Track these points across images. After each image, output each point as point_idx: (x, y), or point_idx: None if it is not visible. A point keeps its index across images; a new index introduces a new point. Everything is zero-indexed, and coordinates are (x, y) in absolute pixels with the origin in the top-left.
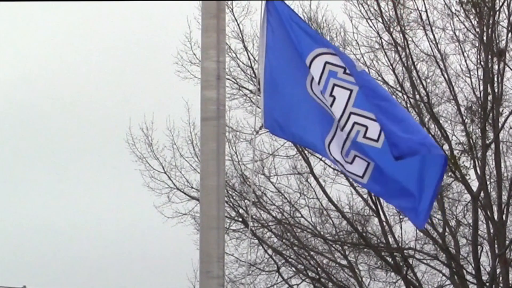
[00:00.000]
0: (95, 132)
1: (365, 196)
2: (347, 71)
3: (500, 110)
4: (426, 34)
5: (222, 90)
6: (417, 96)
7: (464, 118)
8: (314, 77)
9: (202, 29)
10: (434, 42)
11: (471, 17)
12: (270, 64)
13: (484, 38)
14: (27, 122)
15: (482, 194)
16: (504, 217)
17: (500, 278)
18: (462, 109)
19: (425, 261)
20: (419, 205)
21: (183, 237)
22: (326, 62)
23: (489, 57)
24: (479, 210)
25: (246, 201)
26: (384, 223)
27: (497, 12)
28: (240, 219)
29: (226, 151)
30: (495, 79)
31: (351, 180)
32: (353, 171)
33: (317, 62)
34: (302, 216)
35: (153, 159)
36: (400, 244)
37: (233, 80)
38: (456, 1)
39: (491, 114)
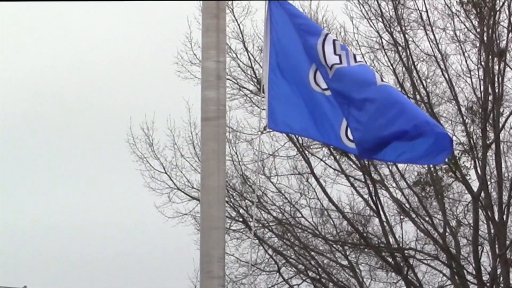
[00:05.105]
0: (96, 132)
1: (365, 197)
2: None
3: (501, 110)
4: (427, 34)
5: (223, 90)
6: (418, 96)
7: (465, 118)
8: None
9: (203, 29)
10: (434, 42)
11: (472, 17)
12: (274, 64)
13: (485, 38)
14: (27, 122)
15: (482, 194)
16: (504, 217)
17: (501, 278)
18: (463, 109)
19: (425, 262)
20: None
21: (183, 237)
22: (334, 40)
23: (490, 57)
24: (480, 210)
25: (246, 201)
26: (385, 223)
27: (498, 12)
28: (241, 219)
29: (226, 151)
30: (496, 79)
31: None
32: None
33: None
34: (302, 216)
35: (154, 159)
36: (400, 245)
37: (233, 80)
38: (456, 1)
39: (491, 114)
